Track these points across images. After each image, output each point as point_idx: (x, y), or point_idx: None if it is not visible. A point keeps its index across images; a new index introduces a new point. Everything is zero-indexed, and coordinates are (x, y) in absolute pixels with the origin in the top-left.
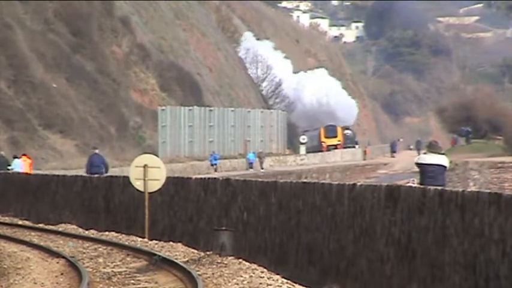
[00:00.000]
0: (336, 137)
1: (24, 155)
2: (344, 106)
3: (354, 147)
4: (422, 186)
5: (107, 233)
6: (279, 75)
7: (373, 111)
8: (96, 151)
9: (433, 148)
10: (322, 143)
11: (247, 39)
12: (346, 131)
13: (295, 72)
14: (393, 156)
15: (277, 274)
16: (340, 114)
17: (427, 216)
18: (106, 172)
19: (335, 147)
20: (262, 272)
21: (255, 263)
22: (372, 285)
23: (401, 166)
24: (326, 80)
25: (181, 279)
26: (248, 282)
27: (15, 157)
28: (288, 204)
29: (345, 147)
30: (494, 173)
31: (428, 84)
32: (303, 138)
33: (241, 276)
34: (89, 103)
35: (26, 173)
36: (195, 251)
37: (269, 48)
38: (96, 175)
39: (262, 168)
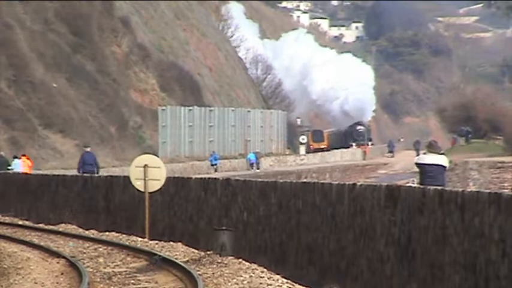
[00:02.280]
0: (322, 141)
1: (24, 155)
2: (357, 99)
3: (368, 144)
4: (422, 186)
5: (107, 233)
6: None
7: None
8: (88, 149)
9: (432, 148)
10: (310, 146)
11: (233, 12)
12: (359, 127)
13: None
14: (392, 156)
15: (277, 274)
16: (353, 112)
17: (427, 216)
18: (97, 172)
19: (322, 150)
20: (262, 272)
21: (255, 263)
22: (372, 285)
23: (401, 166)
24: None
25: (182, 279)
26: (248, 282)
27: (15, 157)
28: (288, 204)
29: (357, 146)
30: (494, 173)
31: (428, 84)
32: (303, 139)
33: (241, 276)
34: (89, 103)
35: (26, 173)
36: (195, 251)
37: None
38: (87, 173)
39: (258, 169)
